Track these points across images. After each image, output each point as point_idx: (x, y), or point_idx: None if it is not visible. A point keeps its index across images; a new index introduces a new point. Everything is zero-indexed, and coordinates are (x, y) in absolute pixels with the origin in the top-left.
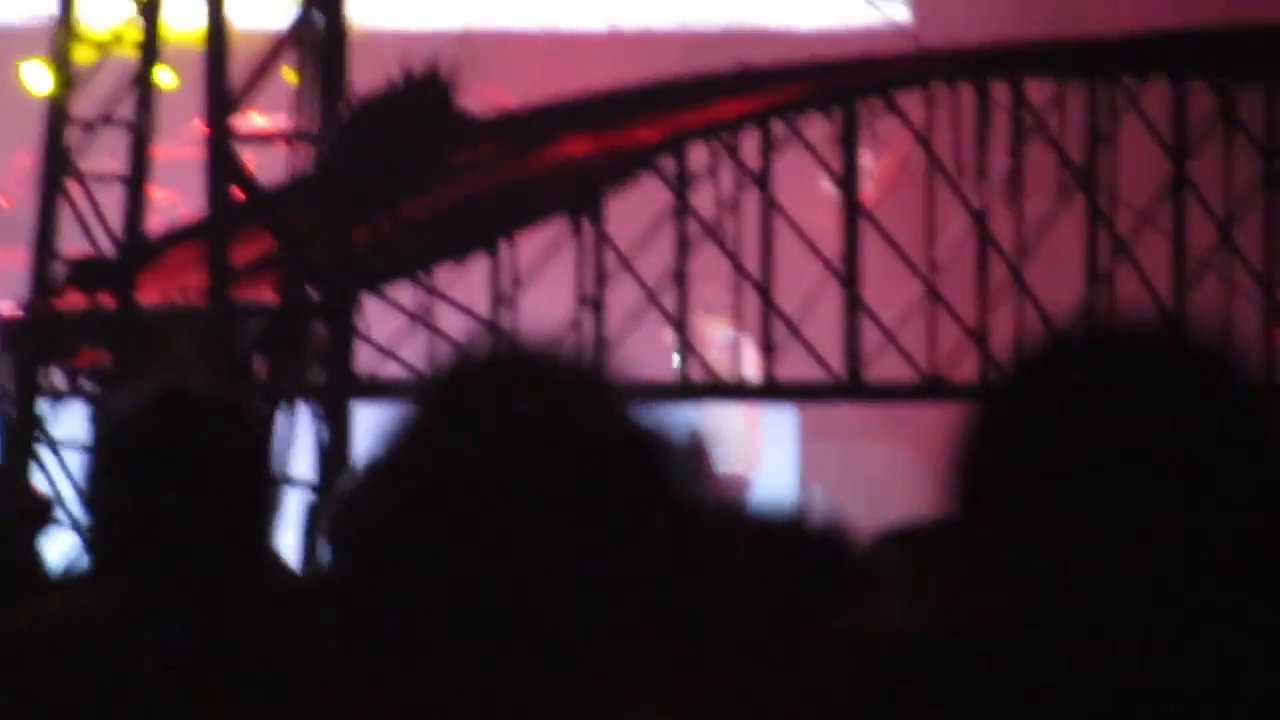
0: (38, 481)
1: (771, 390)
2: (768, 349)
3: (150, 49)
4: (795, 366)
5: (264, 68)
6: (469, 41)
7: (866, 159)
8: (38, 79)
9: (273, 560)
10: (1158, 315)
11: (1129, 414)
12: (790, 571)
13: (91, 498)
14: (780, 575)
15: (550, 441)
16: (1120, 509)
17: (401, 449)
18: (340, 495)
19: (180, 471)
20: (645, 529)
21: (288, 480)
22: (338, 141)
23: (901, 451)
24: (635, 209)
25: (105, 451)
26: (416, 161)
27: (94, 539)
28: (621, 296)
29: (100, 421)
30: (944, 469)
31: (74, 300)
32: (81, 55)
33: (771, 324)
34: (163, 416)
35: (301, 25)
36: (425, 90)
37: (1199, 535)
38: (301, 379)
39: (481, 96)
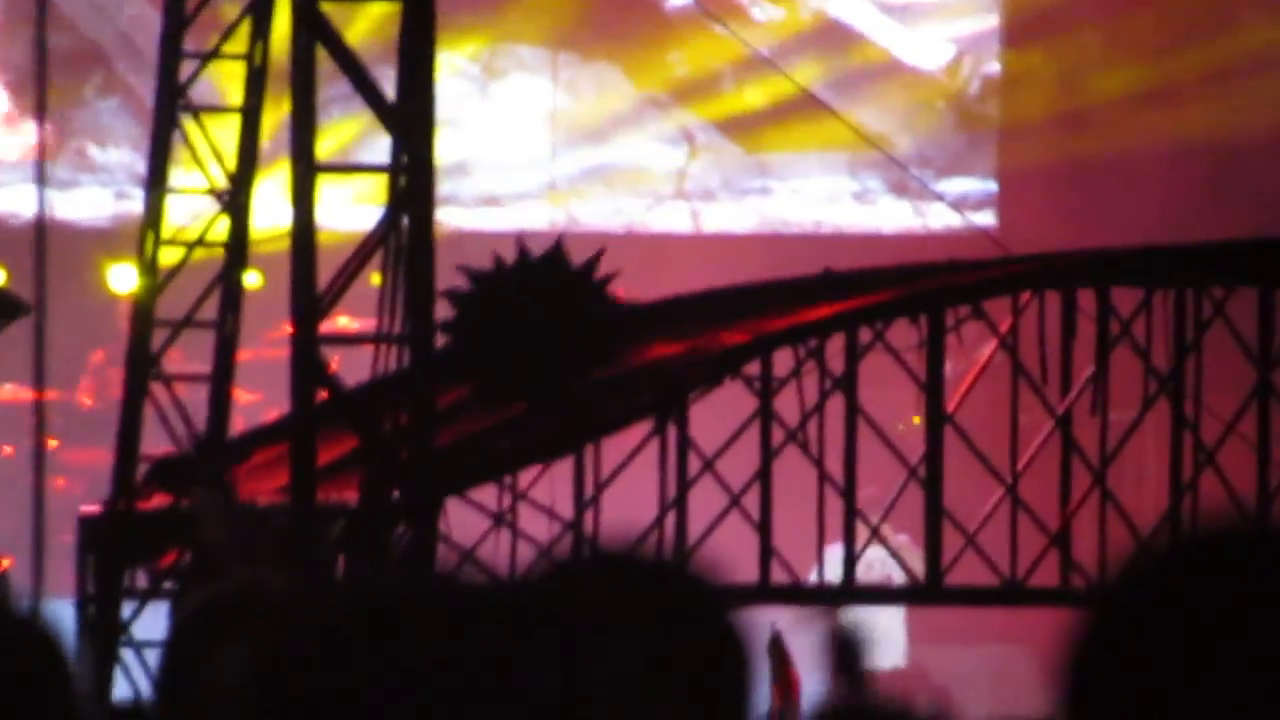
0: (119, 684)
1: (851, 593)
2: (849, 552)
3: (237, 250)
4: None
5: (351, 270)
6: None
7: (951, 363)
8: (122, 280)
9: None
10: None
11: (1244, 631)
12: None
13: (163, 697)
14: None
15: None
16: None
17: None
18: None
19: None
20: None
21: None
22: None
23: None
24: (720, 412)
25: (177, 651)
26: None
27: None
28: (705, 499)
29: (175, 621)
30: (1052, 674)
31: (157, 500)
32: (167, 256)
33: (854, 528)
34: (236, 619)
35: (388, 227)
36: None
37: None
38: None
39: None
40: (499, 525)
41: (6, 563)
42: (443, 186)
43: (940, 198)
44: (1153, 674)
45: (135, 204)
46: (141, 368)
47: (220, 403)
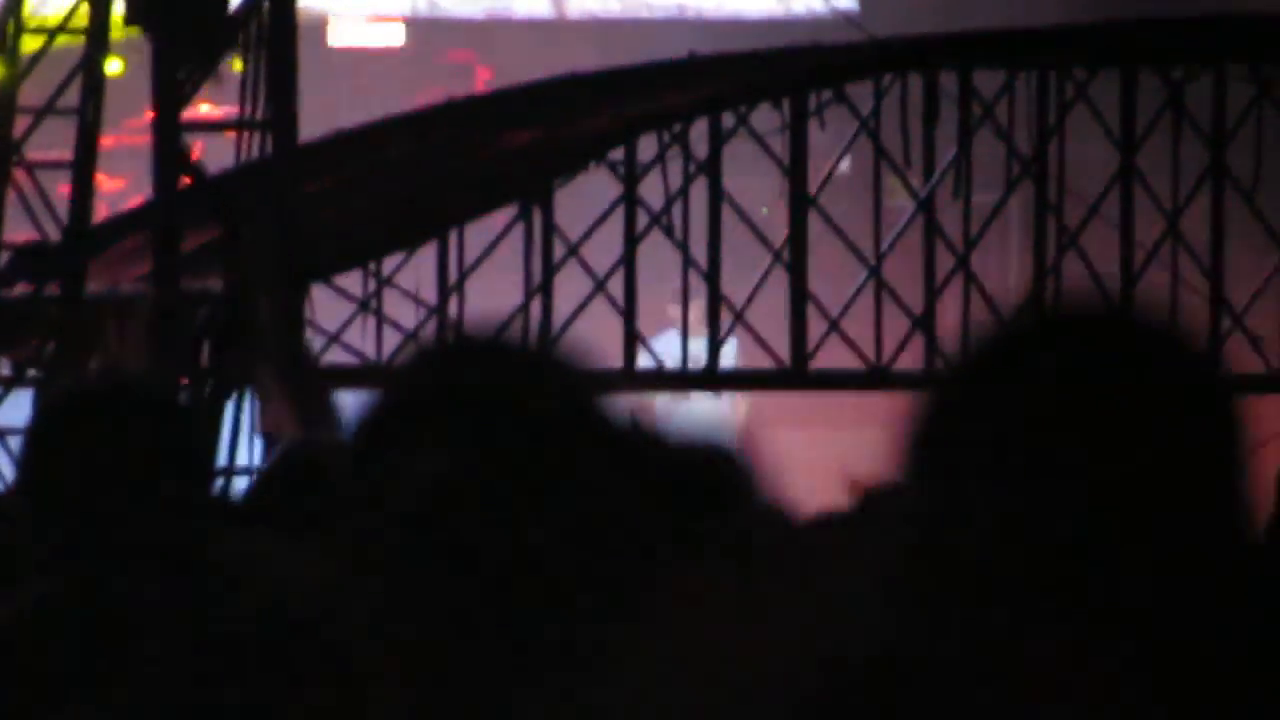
0: None
1: (716, 379)
2: (714, 337)
3: (98, 37)
4: (743, 355)
5: (213, 55)
6: (416, 28)
7: (815, 148)
8: None
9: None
10: (1105, 303)
11: (1079, 394)
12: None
13: (23, 487)
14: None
15: (517, 428)
16: (1070, 484)
17: (369, 438)
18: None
19: (112, 463)
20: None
21: (235, 469)
22: None
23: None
24: (584, 199)
25: (38, 441)
26: None
27: (25, 528)
28: (571, 286)
29: (39, 409)
30: (894, 448)
31: (21, 289)
32: (29, 43)
33: (719, 313)
34: (98, 407)
35: (249, 12)
36: None
37: (1147, 510)
38: (249, 367)
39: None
40: (364, 311)
41: None
42: None
43: None
44: (995, 446)
45: None
46: (3, 155)
47: (83, 190)
